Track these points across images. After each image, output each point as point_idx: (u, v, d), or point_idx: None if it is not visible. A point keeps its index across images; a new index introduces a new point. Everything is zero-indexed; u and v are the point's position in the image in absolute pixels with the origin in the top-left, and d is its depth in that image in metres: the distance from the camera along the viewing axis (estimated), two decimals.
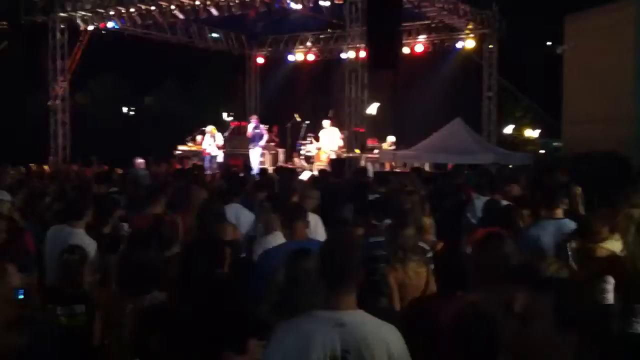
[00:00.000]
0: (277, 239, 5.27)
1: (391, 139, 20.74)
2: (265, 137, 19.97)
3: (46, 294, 4.58)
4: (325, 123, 19.68)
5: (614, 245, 4.93)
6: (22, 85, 22.70)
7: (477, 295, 3.62)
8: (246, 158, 19.35)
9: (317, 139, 20.08)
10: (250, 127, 19.99)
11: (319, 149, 19.72)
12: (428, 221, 5.60)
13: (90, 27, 21.33)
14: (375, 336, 2.87)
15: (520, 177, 10.92)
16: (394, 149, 20.06)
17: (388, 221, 5.75)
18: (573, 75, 19.36)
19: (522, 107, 31.55)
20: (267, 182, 9.60)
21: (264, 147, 20.25)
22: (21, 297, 3.34)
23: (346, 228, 5.85)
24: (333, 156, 18.88)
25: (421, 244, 5.25)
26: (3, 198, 7.50)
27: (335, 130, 19.63)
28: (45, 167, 16.80)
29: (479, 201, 7.62)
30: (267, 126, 20.78)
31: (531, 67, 25.74)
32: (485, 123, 22.29)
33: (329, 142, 19.43)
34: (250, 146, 19.68)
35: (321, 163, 18.97)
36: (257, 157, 19.53)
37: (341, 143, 19.40)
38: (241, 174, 12.47)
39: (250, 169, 15.53)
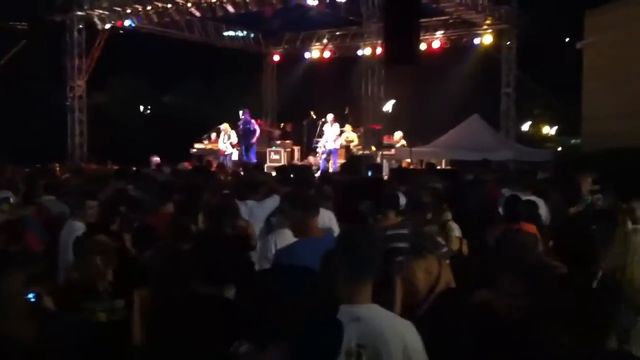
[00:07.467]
0: (285, 236, 4.86)
1: (399, 134, 20.52)
2: (258, 132, 20.27)
3: (77, 291, 4.39)
4: (329, 117, 19.65)
5: None
6: (41, 84, 22.85)
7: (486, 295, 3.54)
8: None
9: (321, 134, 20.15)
10: (240, 124, 20.18)
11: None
12: (450, 217, 5.49)
13: (108, 26, 21.45)
14: (391, 331, 2.80)
15: (540, 174, 10.78)
16: (403, 145, 19.91)
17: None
18: (593, 71, 19.08)
19: (541, 104, 31.24)
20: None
21: (261, 144, 20.78)
22: (33, 299, 3.23)
23: (366, 221, 5.73)
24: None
25: (439, 239, 5.13)
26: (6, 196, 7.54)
27: (336, 126, 19.58)
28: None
29: None
30: (256, 120, 21.09)
31: (550, 63, 25.44)
32: (504, 119, 22.07)
33: (326, 137, 19.63)
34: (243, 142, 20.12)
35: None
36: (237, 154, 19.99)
37: (341, 140, 19.55)
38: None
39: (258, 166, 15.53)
